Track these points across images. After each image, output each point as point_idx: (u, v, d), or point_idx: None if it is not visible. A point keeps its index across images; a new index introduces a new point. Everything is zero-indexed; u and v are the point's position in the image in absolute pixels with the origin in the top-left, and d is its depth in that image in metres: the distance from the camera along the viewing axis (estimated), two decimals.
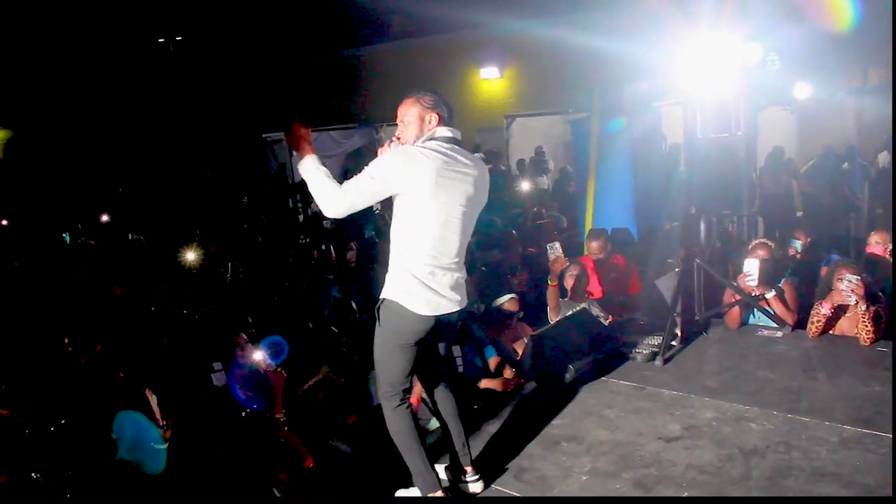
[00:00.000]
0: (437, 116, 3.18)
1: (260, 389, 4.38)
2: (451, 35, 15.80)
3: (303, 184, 13.53)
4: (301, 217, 12.47)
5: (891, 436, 3.56)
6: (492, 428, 4.12)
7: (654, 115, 8.80)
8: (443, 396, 3.43)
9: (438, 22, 14.78)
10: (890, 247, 5.52)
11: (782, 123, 11.40)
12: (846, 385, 4.25)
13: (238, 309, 5.63)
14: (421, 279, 3.07)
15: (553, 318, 5.45)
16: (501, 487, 3.48)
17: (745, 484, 3.28)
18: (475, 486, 3.43)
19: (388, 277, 3.16)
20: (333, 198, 3.04)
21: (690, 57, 5.73)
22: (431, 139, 3.15)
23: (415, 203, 3.05)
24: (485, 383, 4.86)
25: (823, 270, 5.33)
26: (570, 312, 5.28)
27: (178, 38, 16.90)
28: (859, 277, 4.64)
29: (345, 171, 15.20)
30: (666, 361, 4.80)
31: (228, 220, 11.06)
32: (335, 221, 9.83)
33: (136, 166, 15.74)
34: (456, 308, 3.17)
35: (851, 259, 5.09)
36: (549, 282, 5.59)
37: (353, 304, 6.19)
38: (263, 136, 14.41)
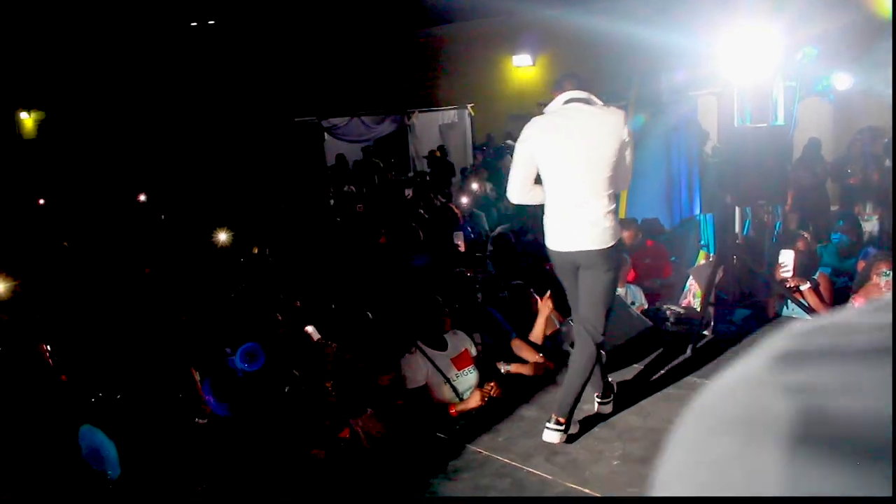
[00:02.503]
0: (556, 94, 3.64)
1: (234, 396, 4.20)
2: (484, 21, 15.76)
3: (333, 167, 13.76)
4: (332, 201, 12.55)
5: None
6: (524, 412, 4.17)
7: (690, 104, 8.75)
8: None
9: (471, 8, 14.74)
10: None
11: (819, 114, 11.25)
12: None
13: (271, 289, 5.69)
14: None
15: None
16: (533, 469, 3.52)
17: None
18: (549, 436, 3.66)
19: (613, 225, 3.55)
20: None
21: (729, 46, 5.69)
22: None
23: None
24: (516, 368, 4.88)
25: (861, 264, 5.30)
26: None
27: (210, 22, 17.02)
28: None
29: (370, 155, 15.28)
30: (698, 350, 4.81)
31: (260, 203, 11.17)
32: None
33: (173, 149, 15.92)
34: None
35: (888, 253, 5.03)
36: None
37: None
38: (295, 119, 14.50)
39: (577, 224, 3.53)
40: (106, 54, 16.55)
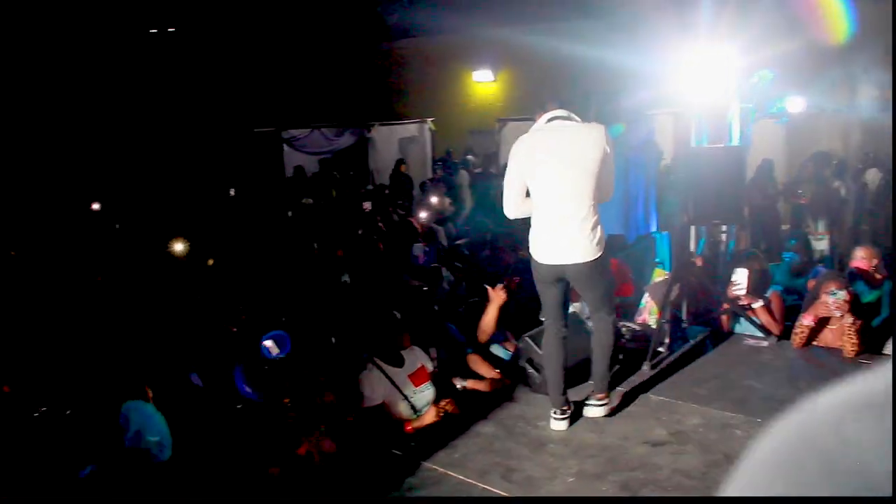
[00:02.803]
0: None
1: (264, 382, 4.35)
2: (445, 37, 15.85)
3: (291, 179, 13.64)
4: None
5: None
6: (480, 428, 4.15)
7: (648, 124, 8.87)
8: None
9: (433, 24, 14.81)
10: (875, 262, 5.57)
11: (773, 135, 11.51)
12: None
13: (227, 300, 5.61)
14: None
15: None
16: (488, 486, 3.50)
17: None
18: (594, 411, 4.13)
19: (601, 236, 3.75)
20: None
21: (686, 67, 5.79)
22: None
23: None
24: (472, 384, 4.86)
25: (811, 283, 5.40)
26: None
27: (170, 30, 16.85)
28: (847, 291, 4.71)
29: (333, 168, 15.19)
30: (653, 367, 4.84)
31: (215, 213, 11.02)
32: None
33: (129, 158, 15.64)
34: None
35: (837, 272, 5.15)
36: None
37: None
38: (255, 130, 14.37)
39: (565, 237, 3.68)
40: (61, 59, 16.22)
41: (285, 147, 14.09)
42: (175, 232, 8.10)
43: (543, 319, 4.18)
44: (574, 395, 4.43)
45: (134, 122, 16.44)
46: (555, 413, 4.04)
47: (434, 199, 10.38)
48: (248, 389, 4.40)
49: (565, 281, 3.90)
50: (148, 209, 11.81)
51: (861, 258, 5.56)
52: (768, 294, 5.37)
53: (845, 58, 10.16)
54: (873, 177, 10.60)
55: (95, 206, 12.11)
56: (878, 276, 5.51)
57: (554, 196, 3.68)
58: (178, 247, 7.84)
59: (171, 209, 11.50)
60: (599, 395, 4.12)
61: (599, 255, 3.73)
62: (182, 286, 6.69)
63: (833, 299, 4.71)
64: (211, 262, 7.54)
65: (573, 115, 3.77)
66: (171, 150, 15.60)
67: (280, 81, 17.43)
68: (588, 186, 3.64)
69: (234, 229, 9.77)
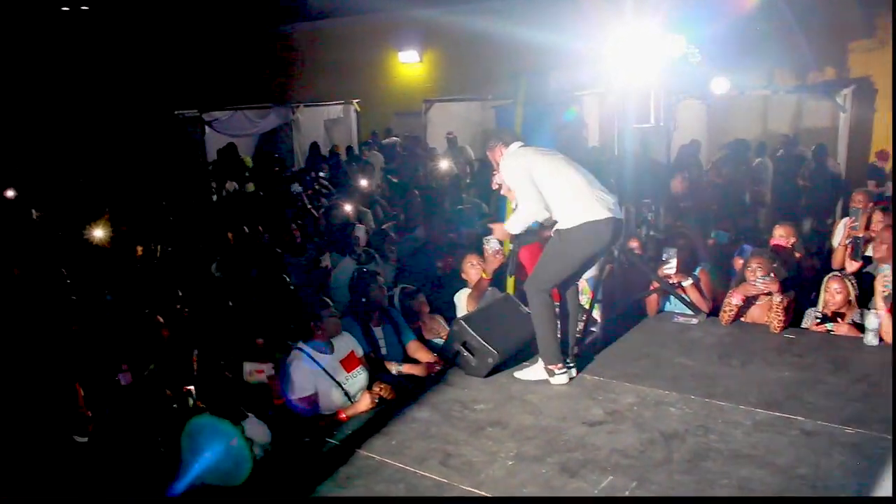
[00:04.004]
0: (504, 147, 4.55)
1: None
2: (371, 17, 15.60)
3: (215, 162, 13.24)
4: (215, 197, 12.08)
5: (801, 418, 3.72)
6: (417, 414, 4.10)
7: (576, 105, 8.91)
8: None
9: (358, 4, 14.56)
10: (793, 240, 5.71)
11: (695, 117, 11.76)
12: (758, 371, 4.41)
13: (161, 290, 5.38)
14: None
15: (472, 306, 5.33)
16: (427, 473, 3.45)
17: (666, 467, 3.35)
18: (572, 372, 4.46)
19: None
20: (532, 208, 4.30)
21: (613, 47, 5.80)
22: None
23: None
24: (407, 368, 4.81)
25: (737, 261, 5.51)
26: (494, 299, 5.27)
27: (84, 7, 16.09)
28: (773, 268, 4.82)
29: (258, 151, 14.85)
30: (587, 347, 4.87)
31: (141, 199, 10.59)
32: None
33: (44, 142, 14.94)
34: None
35: (764, 251, 5.26)
36: (483, 274, 5.35)
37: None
38: (176, 112, 13.88)
39: None
40: None
41: (207, 129, 13.64)
42: (97, 219, 7.75)
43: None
44: (509, 375, 4.46)
45: (49, 105, 15.71)
46: (559, 369, 4.38)
47: (364, 183, 10.23)
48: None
49: None
50: (68, 196, 11.28)
51: (780, 236, 5.68)
52: (697, 272, 5.46)
53: (760, 44, 10.43)
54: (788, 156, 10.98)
55: (10, 194, 11.49)
56: (797, 255, 5.66)
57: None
58: (99, 233, 7.49)
59: (91, 195, 11.03)
60: (550, 367, 4.39)
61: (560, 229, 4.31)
62: (108, 277, 6.40)
63: (760, 279, 4.81)
64: (140, 250, 7.22)
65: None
66: (89, 133, 14.99)
67: (201, 62, 16.92)
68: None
69: (156, 216, 9.41)
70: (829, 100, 10.05)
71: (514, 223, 4.44)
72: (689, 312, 5.36)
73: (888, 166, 11.08)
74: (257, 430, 3.60)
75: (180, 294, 5.25)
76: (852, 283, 4.85)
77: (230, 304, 5.27)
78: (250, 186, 12.16)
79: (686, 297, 5.35)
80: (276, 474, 3.55)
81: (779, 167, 10.44)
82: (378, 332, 4.99)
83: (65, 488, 3.29)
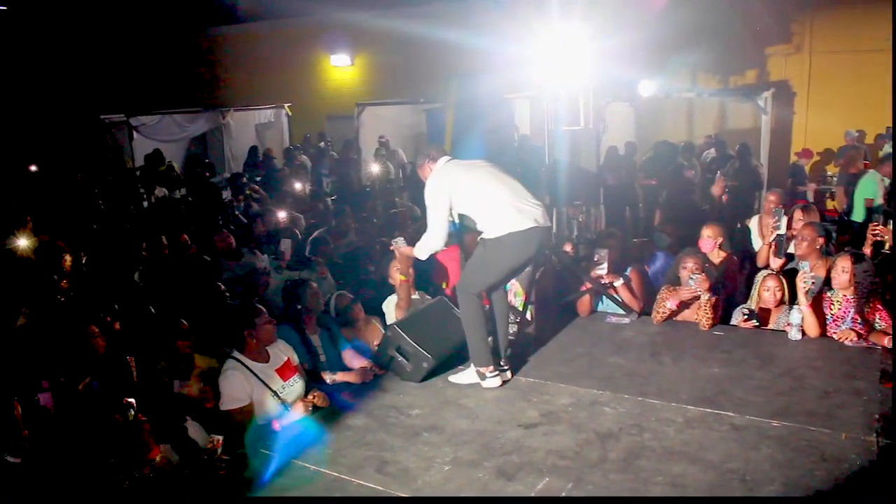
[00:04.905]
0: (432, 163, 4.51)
1: None
2: (301, 20, 15.45)
3: (143, 168, 12.88)
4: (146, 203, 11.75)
5: (731, 414, 3.80)
6: (352, 421, 4.04)
7: (507, 108, 8.97)
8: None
9: (288, 6, 14.40)
10: (720, 240, 5.82)
11: (625, 118, 11.99)
12: (689, 368, 4.49)
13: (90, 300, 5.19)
14: None
15: (400, 313, 5.28)
16: (363, 481, 3.40)
17: (602, 466, 3.38)
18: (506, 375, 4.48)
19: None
20: (439, 235, 4.40)
21: (542, 51, 5.85)
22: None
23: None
24: (341, 376, 4.74)
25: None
26: (426, 304, 5.24)
27: (2, 7, 15.49)
28: (704, 269, 4.93)
29: (188, 156, 14.53)
30: (521, 349, 4.88)
31: (63, 207, 10.21)
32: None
33: None
34: None
35: (694, 250, 5.36)
36: (400, 277, 5.20)
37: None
38: (101, 117, 13.47)
39: None
40: None
41: (135, 135, 13.27)
42: (19, 227, 7.41)
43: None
44: (443, 380, 4.45)
45: None
46: (491, 372, 4.37)
47: (297, 187, 10.10)
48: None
49: None
50: None
51: (707, 237, 5.79)
52: (628, 272, 5.53)
53: (684, 47, 10.70)
54: (710, 156, 11.28)
55: None
56: (723, 253, 5.77)
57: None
58: (23, 242, 7.16)
59: (13, 201, 10.58)
60: (481, 370, 4.38)
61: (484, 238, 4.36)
62: (31, 287, 6.13)
63: (693, 282, 4.89)
64: (69, 259, 6.92)
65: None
66: (9, 139, 14.41)
67: (127, 66, 16.46)
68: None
69: (81, 223, 9.08)
70: (751, 102, 10.35)
71: (422, 250, 4.53)
72: (622, 312, 5.43)
73: (808, 165, 11.54)
74: (198, 434, 3.51)
75: (109, 304, 5.06)
76: (785, 281, 4.99)
77: (152, 311, 5.10)
78: (178, 193, 11.88)
79: (618, 297, 5.42)
80: (208, 485, 3.46)
81: (709, 167, 10.68)
82: (315, 339, 4.92)
83: None
